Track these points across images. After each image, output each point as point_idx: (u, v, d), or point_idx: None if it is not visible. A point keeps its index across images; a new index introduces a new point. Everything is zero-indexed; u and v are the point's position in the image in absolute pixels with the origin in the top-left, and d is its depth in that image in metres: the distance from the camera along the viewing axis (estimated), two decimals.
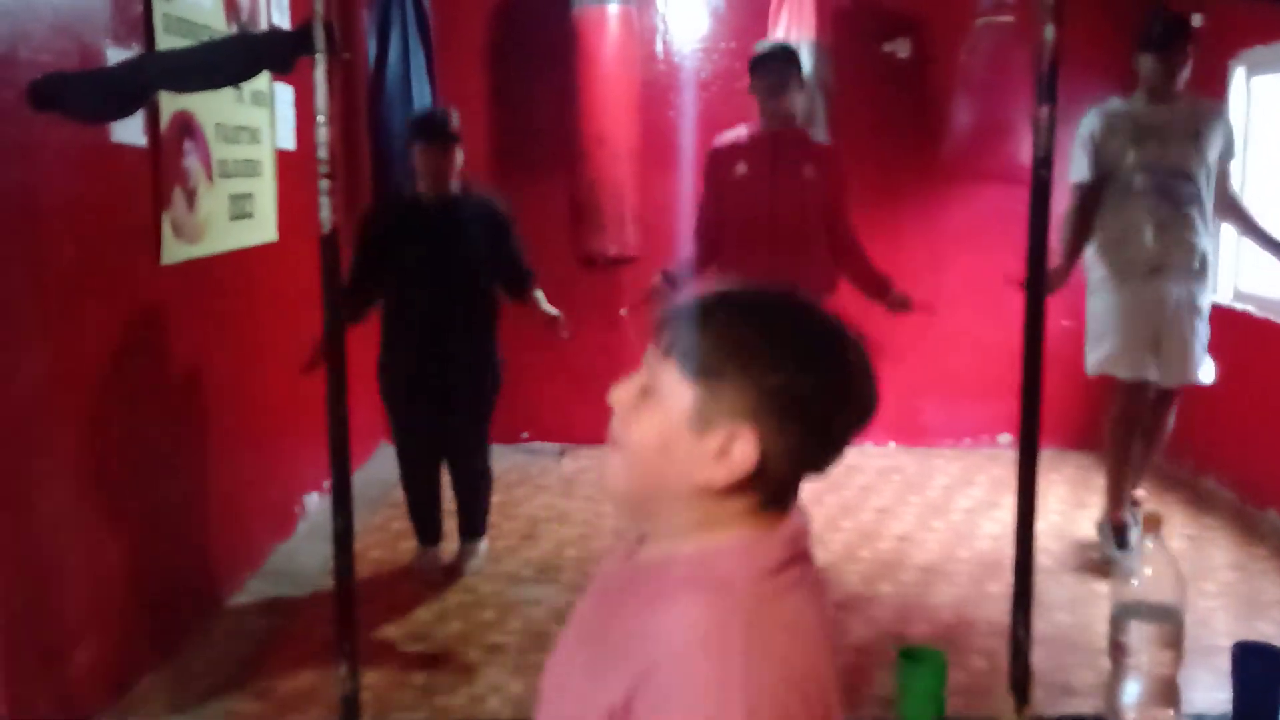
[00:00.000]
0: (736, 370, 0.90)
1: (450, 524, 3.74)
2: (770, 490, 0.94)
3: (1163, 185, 3.51)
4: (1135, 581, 1.58)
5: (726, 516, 0.93)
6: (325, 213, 1.49)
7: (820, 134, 4.29)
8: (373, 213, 3.66)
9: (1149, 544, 1.58)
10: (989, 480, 4.67)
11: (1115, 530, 3.69)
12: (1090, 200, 3.59)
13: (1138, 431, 3.70)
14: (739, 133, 3.66)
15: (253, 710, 2.77)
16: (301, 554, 3.80)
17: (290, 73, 1.62)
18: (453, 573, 3.61)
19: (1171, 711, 1.62)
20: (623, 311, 3.77)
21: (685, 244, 4.00)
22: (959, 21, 4.53)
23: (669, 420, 0.92)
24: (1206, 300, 3.61)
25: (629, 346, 4.78)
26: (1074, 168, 3.62)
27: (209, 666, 3.01)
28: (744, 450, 0.90)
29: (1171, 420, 3.74)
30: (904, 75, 4.98)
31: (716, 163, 3.67)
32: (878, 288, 3.62)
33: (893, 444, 5.14)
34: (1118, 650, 1.62)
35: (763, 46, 3.85)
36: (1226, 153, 3.60)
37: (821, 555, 3.78)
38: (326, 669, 2.80)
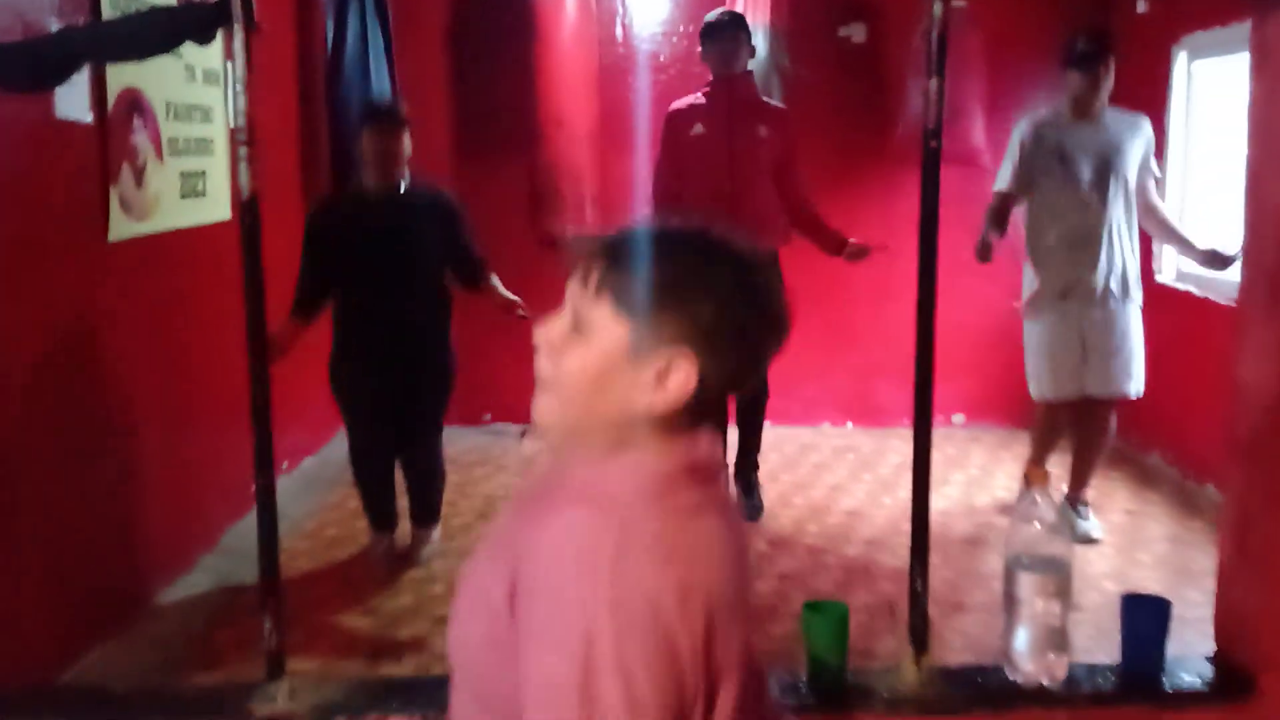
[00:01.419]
0: (670, 303, 0.96)
1: (403, 508, 3.72)
2: (695, 413, 0.99)
3: (1083, 204, 3.62)
4: (1024, 535, 1.65)
5: (644, 440, 0.99)
6: (244, 178, 1.54)
7: (773, 81, 4.43)
8: (319, 209, 3.60)
9: (1037, 499, 1.65)
10: (940, 458, 4.74)
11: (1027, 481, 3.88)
12: (1004, 208, 3.71)
13: (1059, 439, 3.88)
14: (696, 97, 3.84)
15: (202, 679, 2.81)
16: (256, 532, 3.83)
17: (210, 43, 1.66)
18: (406, 560, 3.58)
19: (1063, 657, 1.70)
20: (521, 313, 3.85)
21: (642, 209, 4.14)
22: (913, 6, 4.59)
23: (604, 354, 0.97)
24: (1132, 314, 3.72)
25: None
26: (1000, 175, 3.74)
27: (159, 639, 3.04)
28: (683, 376, 0.96)
29: (1112, 426, 3.86)
30: (859, 59, 5.04)
31: (674, 124, 3.84)
32: (833, 242, 3.78)
33: (850, 424, 5.21)
34: (1010, 601, 1.70)
35: (712, 15, 3.95)
36: (1145, 165, 3.70)
37: (771, 528, 3.86)
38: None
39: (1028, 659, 1.69)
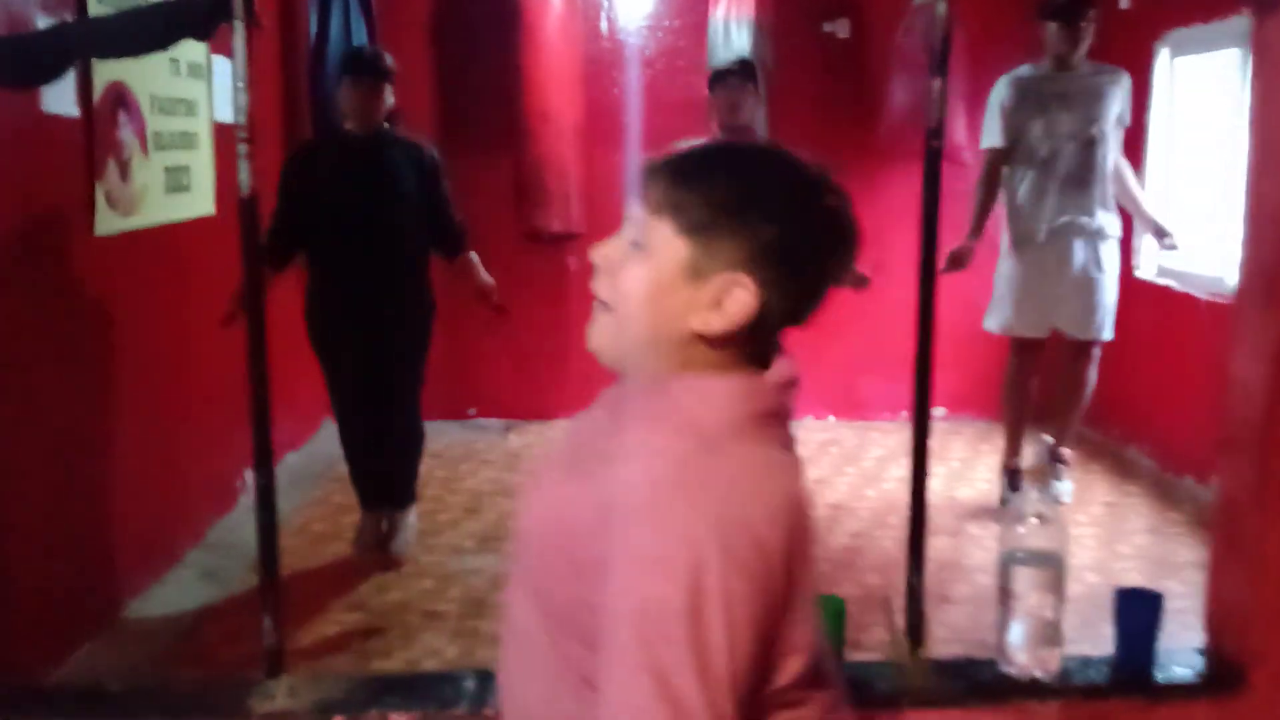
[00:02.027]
0: (731, 224, 0.93)
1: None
2: (757, 341, 0.97)
3: (1066, 151, 3.70)
4: (1020, 530, 1.67)
5: (709, 364, 0.97)
6: (244, 176, 1.53)
7: (760, 114, 4.39)
8: (296, 154, 3.54)
9: (1034, 494, 1.68)
10: None
11: (1009, 475, 3.96)
12: (996, 165, 3.78)
13: (1031, 387, 3.95)
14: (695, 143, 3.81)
15: (192, 676, 2.80)
16: (243, 527, 3.80)
17: (209, 39, 1.65)
18: (387, 557, 3.51)
19: (1056, 651, 1.72)
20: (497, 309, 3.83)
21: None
22: (896, 2, 4.61)
23: (663, 272, 0.95)
24: (1110, 259, 3.80)
25: (572, 323, 4.79)
26: (985, 135, 3.80)
27: (147, 636, 3.03)
28: (742, 299, 0.93)
29: (1092, 376, 3.92)
30: (843, 54, 5.06)
31: None
32: None
33: (832, 418, 5.24)
34: (1005, 595, 1.72)
35: (720, 63, 4.04)
36: (1122, 117, 3.78)
37: None
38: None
39: (1021, 652, 1.71)
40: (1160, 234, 3.82)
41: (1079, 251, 3.76)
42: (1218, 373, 3.84)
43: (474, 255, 3.51)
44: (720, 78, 3.83)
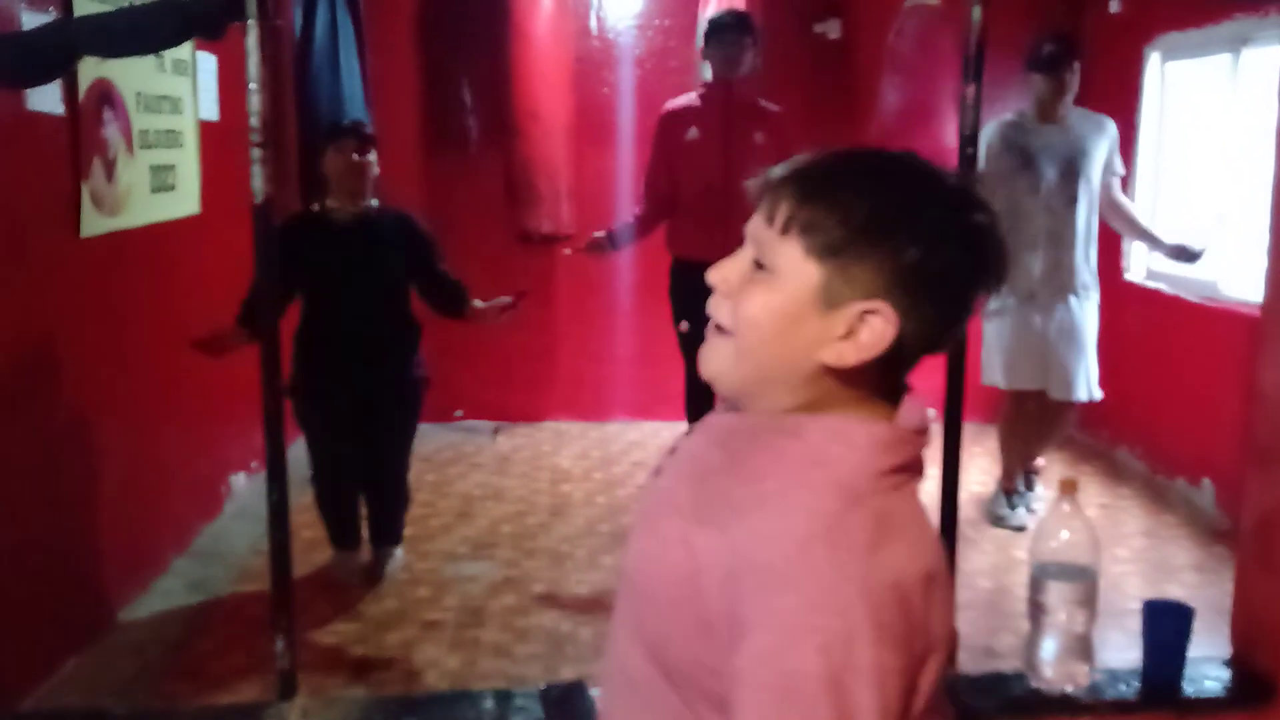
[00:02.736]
0: (870, 246, 0.85)
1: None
2: (890, 374, 0.90)
3: (1048, 207, 3.65)
4: (1053, 544, 1.65)
5: (838, 399, 0.89)
6: (258, 182, 1.47)
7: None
8: (283, 227, 3.29)
9: (1065, 507, 1.65)
10: None
11: (1006, 494, 3.98)
12: None
13: (1027, 428, 3.93)
14: (691, 98, 3.71)
15: (184, 690, 2.74)
16: (229, 534, 3.74)
17: (221, 38, 1.59)
18: (369, 576, 3.43)
19: (1086, 666, 1.70)
20: (566, 250, 3.73)
21: (624, 214, 4.03)
22: (888, 3, 4.59)
23: (792, 299, 0.87)
24: (1089, 320, 3.76)
25: (561, 324, 4.78)
26: None
27: (136, 648, 2.96)
28: (879, 329, 0.86)
29: (1069, 426, 3.95)
30: (833, 56, 5.04)
31: (668, 126, 3.71)
32: None
33: None
34: (1036, 609, 1.69)
35: (718, 15, 3.85)
36: (1109, 165, 3.74)
37: None
38: (257, 647, 2.78)
39: (1052, 666, 1.69)
40: (1186, 255, 3.69)
41: (1057, 314, 3.71)
42: (1211, 376, 3.89)
43: (477, 302, 3.37)
44: (714, 30, 3.63)
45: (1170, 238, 3.80)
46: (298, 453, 4.44)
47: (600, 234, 3.76)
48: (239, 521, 3.80)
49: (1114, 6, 4.49)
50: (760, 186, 0.91)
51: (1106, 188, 3.76)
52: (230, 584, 3.37)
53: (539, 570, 3.51)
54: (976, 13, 1.49)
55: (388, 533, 3.52)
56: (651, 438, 4.90)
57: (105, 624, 3.03)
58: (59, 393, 2.83)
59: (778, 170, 0.91)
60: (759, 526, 0.85)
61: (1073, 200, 3.64)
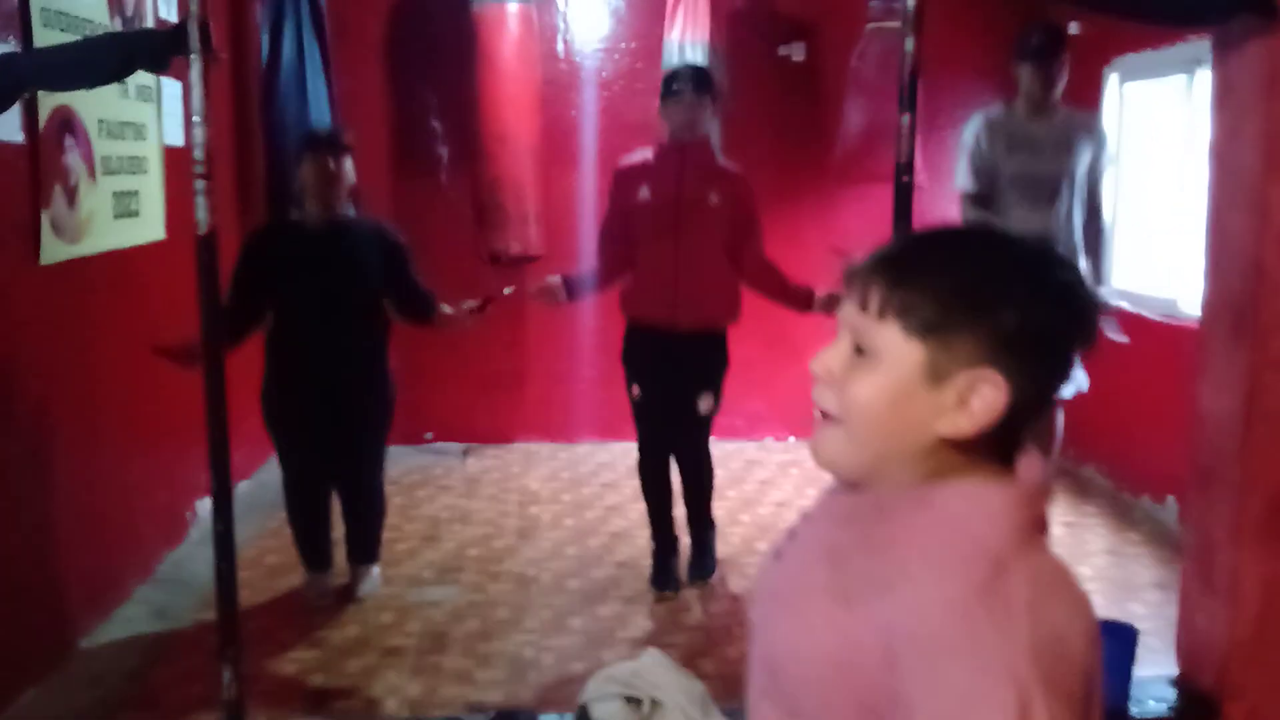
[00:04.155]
0: (968, 318, 0.89)
1: (338, 536, 3.55)
2: (1006, 435, 0.92)
3: (1033, 198, 3.61)
4: None
5: (958, 466, 0.92)
6: (202, 213, 1.48)
7: (714, 135, 4.23)
8: (256, 236, 3.40)
9: None
10: None
11: None
12: (981, 207, 3.68)
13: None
14: (645, 155, 3.52)
15: None
16: (193, 561, 3.71)
17: (166, 71, 1.60)
18: (346, 596, 3.43)
19: None
20: (506, 290, 3.61)
21: (588, 247, 3.94)
22: (850, 26, 4.65)
23: (899, 379, 0.90)
24: None
25: (530, 344, 4.73)
26: (958, 176, 3.74)
27: (95, 678, 2.93)
28: (990, 395, 0.89)
29: (1058, 424, 3.90)
30: (798, 78, 5.09)
31: (621, 185, 3.52)
32: (801, 299, 3.51)
33: (792, 439, 5.25)
34: None
35: (674, 70, 3.67)
36: (1096, 165, 3.70)
37: (722, 549, 3.84)
38: (217, 677, 2.76)
39: None
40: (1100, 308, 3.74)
41: None
42: (1173, 393, 3.93)
43: (444, 307, 3.36)
44: (670, 89, 3.42)
45: (1104, 290, 3.80)
46: (270, 476, 4.44)
47: (555, 279, 3.51)
48: (203, 548, 3.72)
49: (1074, 28, 4.56)
50: (847, 276, 0.94)
51: (1092, 187, 3.68)
52: (193, 612, 3.34)
53: (504, 594, 3.50)
54: (909, 44, 1.51)
55: (364, 549, 3.50)
56: (621, 458, 4.90)
57: (65, 653, 3.00)
58: (18, 419, 2.81)
59: (864, 260, 0.94)
60: (910, 599, 0.86)
61: (1056, 191, 3.58)
